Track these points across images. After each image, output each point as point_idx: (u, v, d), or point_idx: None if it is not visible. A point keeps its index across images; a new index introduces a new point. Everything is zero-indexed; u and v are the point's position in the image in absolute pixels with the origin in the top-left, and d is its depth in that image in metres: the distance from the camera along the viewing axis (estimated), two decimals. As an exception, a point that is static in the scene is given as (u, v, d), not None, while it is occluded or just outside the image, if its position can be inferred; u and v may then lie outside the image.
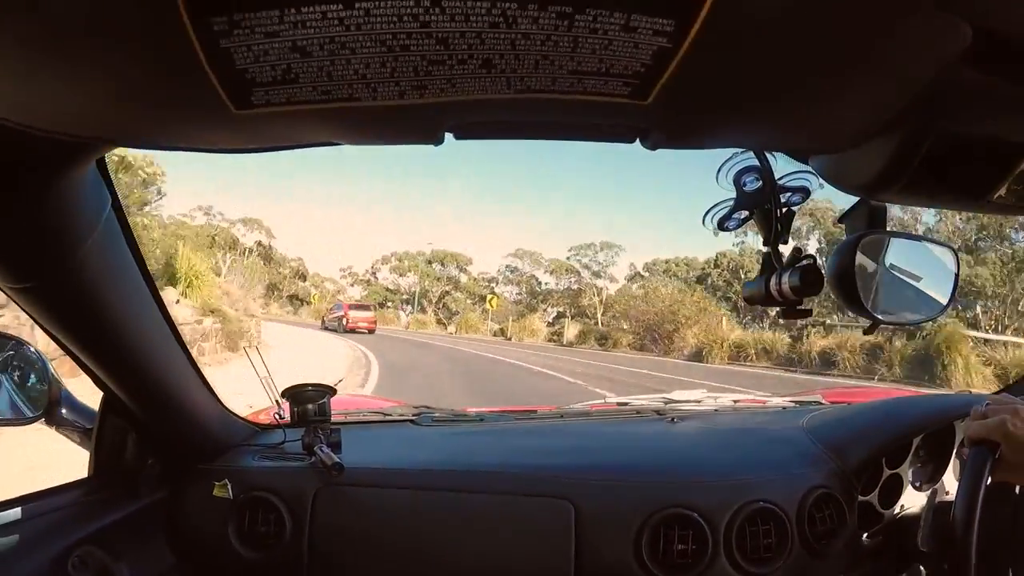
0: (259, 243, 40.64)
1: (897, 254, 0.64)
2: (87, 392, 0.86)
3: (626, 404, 1.40)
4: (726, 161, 0.53)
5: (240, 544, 0.87)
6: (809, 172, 0.53)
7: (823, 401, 1.41)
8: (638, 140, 0.36)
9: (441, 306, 38.82)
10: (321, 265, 63.70)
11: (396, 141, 0.37)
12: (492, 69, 0.29)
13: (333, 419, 0.99)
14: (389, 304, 40.53)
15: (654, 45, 0.27)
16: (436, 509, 0.87)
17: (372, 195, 65.63)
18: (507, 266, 40.11)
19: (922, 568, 0.95)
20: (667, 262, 33.88)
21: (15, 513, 0.71)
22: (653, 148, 0.36)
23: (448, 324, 34.23)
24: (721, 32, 0.26)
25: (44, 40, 0.27)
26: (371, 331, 21.48)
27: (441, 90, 0.30)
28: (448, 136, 0.35)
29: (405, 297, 41.56)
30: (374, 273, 43.57)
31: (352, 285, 44.14)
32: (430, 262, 39.38)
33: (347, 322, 21.57)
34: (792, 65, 0.30)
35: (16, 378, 0.85)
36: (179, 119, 0.34)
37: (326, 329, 22.34)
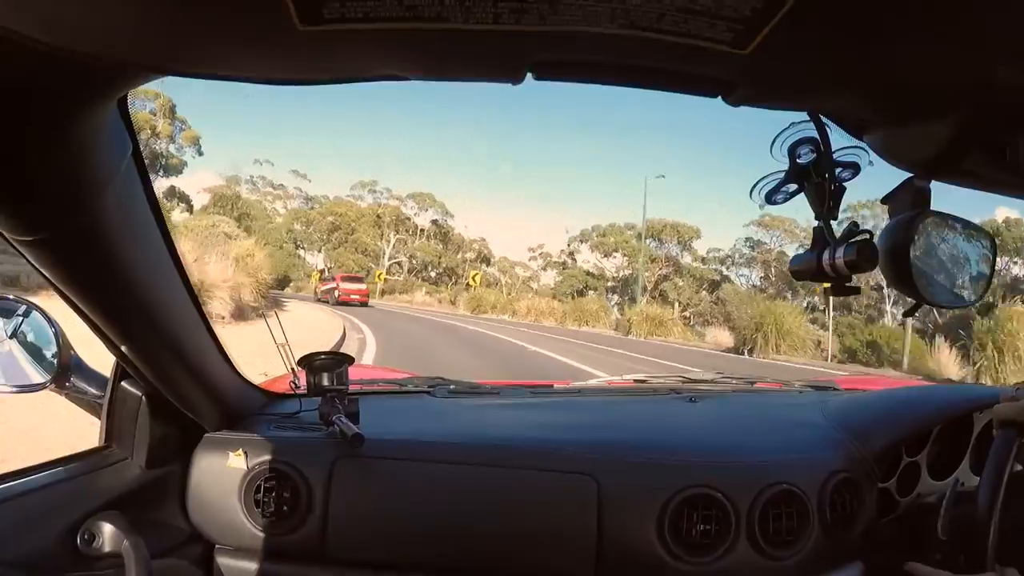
0: (434, 222, 37.90)
1: (946, 236, 0.63)
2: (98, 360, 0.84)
3: (643, 381, 1.39)
4: (783, 131, 0.52)
5: (256, 515, 0.86)
6: (861, 148, 0.51)
7: (838, 387, 1.41)
8: (721, 96, 0.35)
9: (658, 294, 29.33)
10: (506, 246, 56.27)
11: (474, 76, 0.35)
12: None
13: (349, 389, 0.97)
14: (591, 290, 31.76)
15: None
16: (457, 482, 0.87)
17: (565, 155, 52.97)
18: (746, 239, 29.78)
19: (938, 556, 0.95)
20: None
21: (22, 484, 0.70)
22: (735, 105, 0.35)
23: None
24: None
25: None
26: (364, 303, 21.19)
27: (541, 17, 0.28)
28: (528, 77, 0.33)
29: (611, 283, 33.11)
30: (571, 254, 35.42)
31: (544, 268, 37.53)
32: (642, 236, 27.50)
33: (339, 294, 21.25)
34: (889, 28, 0.29)
35: (26, 344, 0.84)
36: (230, 36, 0.30)
37: (319, 302, 21.71)
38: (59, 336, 0.83)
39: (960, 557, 0.95)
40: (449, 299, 31.77)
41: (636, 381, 1.40)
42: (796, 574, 0.86)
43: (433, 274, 38.52)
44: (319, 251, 39.62)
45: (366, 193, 40.02)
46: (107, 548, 0.70)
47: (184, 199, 40.48)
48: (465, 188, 56.48)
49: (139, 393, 0.80)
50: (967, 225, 0.66)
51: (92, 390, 0.84)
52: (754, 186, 0.56)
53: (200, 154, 35.71)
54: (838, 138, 0.54)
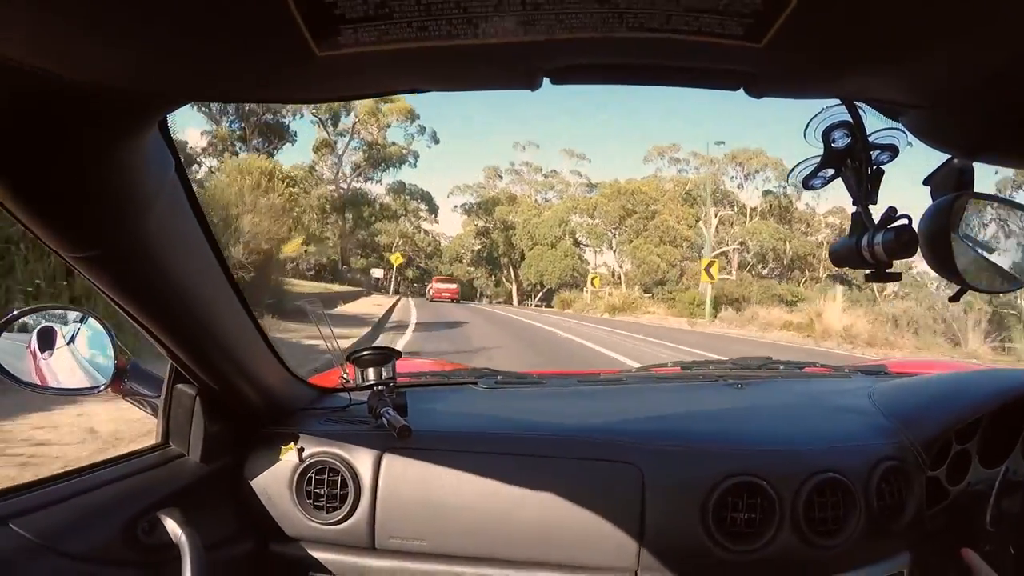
0: (767, 193, 29.00)
1: (988, 218, 0.61)
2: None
3: (689, 368, 1.38)
4: (815, 116, 0.51)
5: (307, 507, 0.89)
6: (899, 129, 0.50)
7: (889, 371, 1.37)
8: (742, 88, 0.34)
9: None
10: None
11: (489, 85, 0.35)
12: (606, 3, 0.27)
13: (397, 382, 0.99)
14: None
15: None
16: (502, 473, 0.88)
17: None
18: None
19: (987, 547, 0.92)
20: None
21: (86, 480, 0.74)
22: (759, 96, 0.35)
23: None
24: None
25: None
26: (454, 300, 24.64)
27: (549, 27, 0.28)
28: (545, 82, 0.34)
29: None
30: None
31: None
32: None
33: (431, 292, 25.18)
34: (907, 9, 0.28)
35: (84, 349, 0.88)
36: (254, 65, 0.32)
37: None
38: (114, 341, 0.87)
39: (1009, 549, 0.92)
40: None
41: (683, 368, 1.39)
42: (842, 563, 0.85)
43: (775, 268, 28.87)
44: (610, 247, 33.33)
45: (665, 163, 33.18)
46: (165, 540, 0.73)
47: (426, 200, 36.30)
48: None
49: (193, 392, 0.83)
50: (1013, 205, 0.63)
51: (148, 391, 0.88)
52: (791, 171, 0.55)
53: (436, 141, 32.86)
54: (875, 120, 0.53)
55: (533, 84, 0.33)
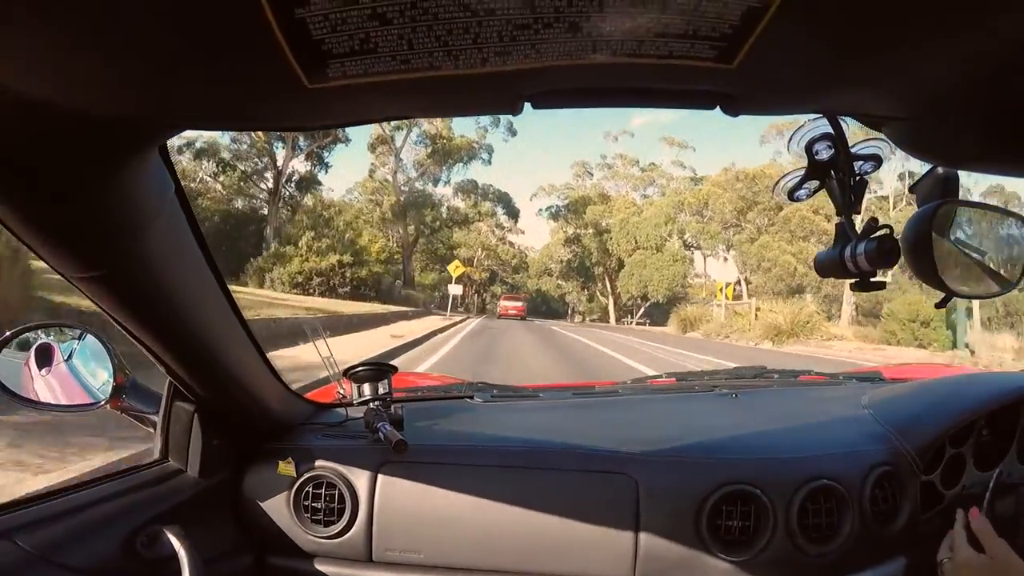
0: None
1: (972, 224, 0.61)
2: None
3: (684, 379, 1.39)
4: (798, 129, 0.52)
5: (304, 521, 0.89)
6: (882, 140, 0.51)
7: (884, 377, 1.39)
8: (719, 107, 0.35)
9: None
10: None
11: (473, 112, 0.37)
12: (578, 32, 0.28)
13: (393, 397, 1.00)
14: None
15: (743, 5, 0.27)
16: (498, 486, 0.88)
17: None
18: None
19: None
20: None
21: (87, 494, 0.74)
22: (735, 115, 0.36)
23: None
24: None
25: (97, 15, 0.26)
26: (521, 317, 25.43)
27: (525, 56, 0.30)
28: (526, 106, 0.35)
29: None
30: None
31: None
32: None
33: (499, 310, 26.34)
34: (882, 24, 0.29)
35: (83, 366, 0.89)
36: (247, 97, 0.33)
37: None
38: (114, 358, 0.88)
39: None
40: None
41: (679, 379, 1.40)
42: (837, 569, 0.85)
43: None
44: (727, 248, 26.43)
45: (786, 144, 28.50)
46: (164, 554, 0.74)
47: (503, 201, 30.70)
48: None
49: (191, 409, 0.84)
50: (996, 211, 0.64)
51: (147, 408, 0.89)
52: (777, 183, 0.56)
53: (512, 134, 28.86)
54: (858, 131, 0.54)
55: (515, 109, 0.35)
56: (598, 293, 36.40)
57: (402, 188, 29.14)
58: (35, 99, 0.32)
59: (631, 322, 31.75)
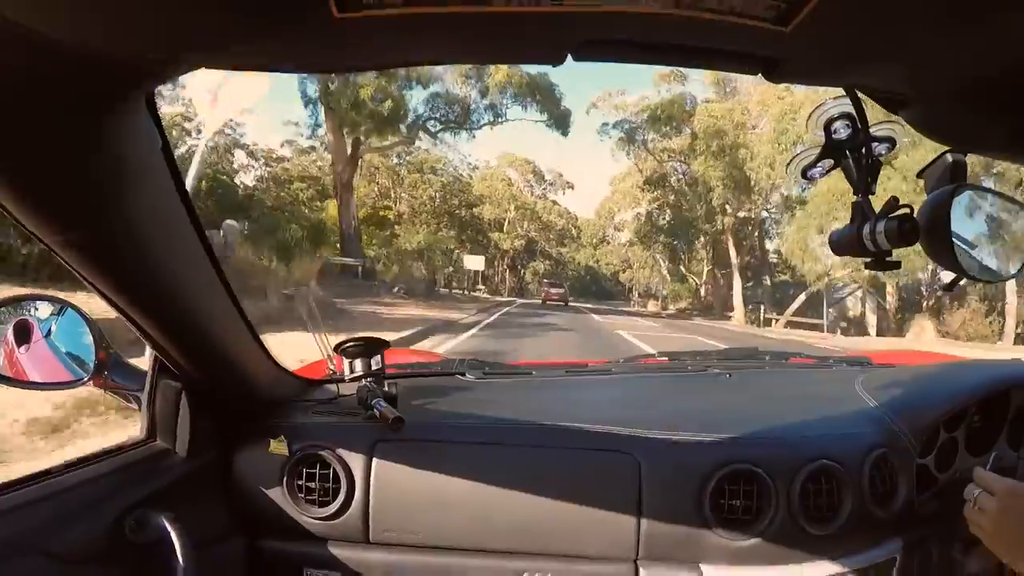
0: None
1: (985, 208, 0.62)
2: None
3: (676, 358, 1.39)
4: (818, 107, 0.51)
5: (299, 502, 0.88)
6: (897, 123, 0.51)
7: (871, 362, 1.40)
8: (762, 73, 0.35)
9: None
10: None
11: (516, 58, 0.35)
12: None
13: (385, 373, 0.99)
14: None
15: None
16: (497, 463, 0.87)
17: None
18: None
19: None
20: None
21: (70, 477, 0.72)
22: (778, 81, 0.36)
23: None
24: None
25: None
26: (565, 303, 27.30)
27: None
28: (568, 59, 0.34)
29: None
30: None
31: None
32: None
33: (543, 295, 28.50)
34: (931, 2, 0.29)
35: (64, 341, 0.86)
36: (267, 27, 0.30)
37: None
38: (96, 333, 0.84)
39: None
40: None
41: (670, 358, 1.40)
42: (835, 549, 0.86)
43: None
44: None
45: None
46: (153, 537, 0.72)
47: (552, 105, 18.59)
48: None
49: (178, 386, 0.82)
50: (1005, 198, 0.65)
51: (131, 385, 0.86)
52: (790, 161, 0.56)
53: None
54: (874, 113, 0.53)
55: (558, 59, 0.33)
56: (685, 268, 25.74)
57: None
58: (22, 32, 0.29)
59: (776, 319, 18.93)
